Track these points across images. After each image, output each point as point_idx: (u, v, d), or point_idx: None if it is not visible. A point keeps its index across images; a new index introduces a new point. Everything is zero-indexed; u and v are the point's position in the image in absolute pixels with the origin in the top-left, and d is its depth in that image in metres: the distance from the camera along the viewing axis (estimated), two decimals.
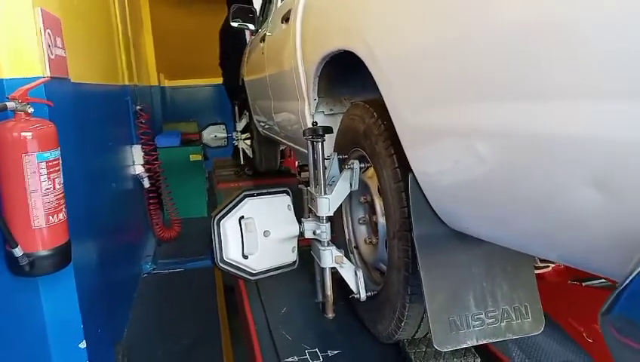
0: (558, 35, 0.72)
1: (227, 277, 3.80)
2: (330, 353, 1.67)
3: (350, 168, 1.71)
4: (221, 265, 1.66)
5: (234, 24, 4.28)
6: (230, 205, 1.68)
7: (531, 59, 0.77)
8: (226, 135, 5.37)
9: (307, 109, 2.24)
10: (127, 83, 4.70)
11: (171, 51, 8.29)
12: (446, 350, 1.27)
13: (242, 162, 5.17)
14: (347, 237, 1.98)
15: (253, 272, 1.72)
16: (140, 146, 4.69)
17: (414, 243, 1.27)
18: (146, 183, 4.72)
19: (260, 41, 3.50)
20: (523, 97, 0.78)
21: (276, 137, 3.73)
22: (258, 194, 1.75)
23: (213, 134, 5.37)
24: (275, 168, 4.87)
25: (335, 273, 1.79)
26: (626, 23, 0.61)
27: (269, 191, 1.81)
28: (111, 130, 3.89)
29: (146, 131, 4.88)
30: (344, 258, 1.72)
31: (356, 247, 1.93)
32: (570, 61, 0.70)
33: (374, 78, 1.36)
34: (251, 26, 4.21)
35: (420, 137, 1.19)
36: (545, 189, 0.81)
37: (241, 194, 1.71)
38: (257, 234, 1.70)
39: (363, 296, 1.68)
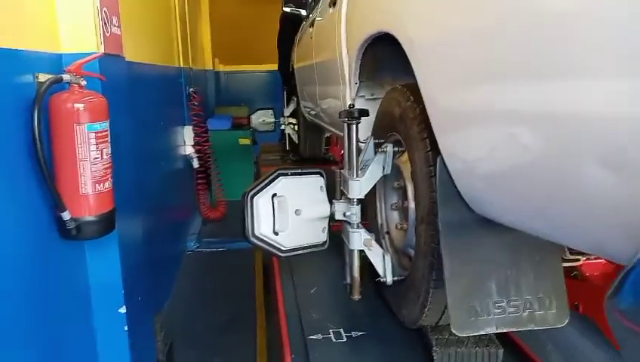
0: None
1: (266, 258, 3.89)
2: (354, 334, 1.69)
3: (384, 151, 1.71)
4: (252, 239, 1.71)
5: (286, 9, 4.33)
6: (264, 183, 1.73)
7: (558, 40, 0.76)
8: (273, 120, 5.46)
9: (348, 93, 2.25)
10: (182, 65, 4.86)
11: (227, 36, 8.46)
12: (464, 335, 1.26)
13: (288, 148, 5.24)
14: (380, 222, 1.98)
15: (283, 249, 1.76)
16: (191, 127, 4.85)
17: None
18: (196, 164, 4.89)
19: (310, 27, 3.53)
20: (550, 78, 0.76)
21: (321, 123, 3.76)
22: (292, 174, 1.79)
23: (261, 118, 5.47)
24: (319, 155, 4.91)
25: (365, 257, 1.80)
26: None
27: (302, 171, 1.84)
28: (163, 110, 4.04)
29: (198, 113, 5.04)
30: (373, 241, 1.73)
31: (388, 233, 1.93)
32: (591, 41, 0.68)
33: (410, 61, 1.35)
34: (303, 12, 4.24)
35: (449, 120, 1.18)
36: (573, 172, 0.79)
37: (275, 172, 1.75)
38: (289, 212, 1.73)
39: (389, 279, 1.68)
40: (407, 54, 1.35)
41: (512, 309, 1.23)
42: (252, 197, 1.69)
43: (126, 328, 2.18)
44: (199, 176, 5.15)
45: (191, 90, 5.07)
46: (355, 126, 1.71)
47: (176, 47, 4.81)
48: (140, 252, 2.46)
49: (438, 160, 1.26)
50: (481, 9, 0.96)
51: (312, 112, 3.99)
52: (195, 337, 3.36)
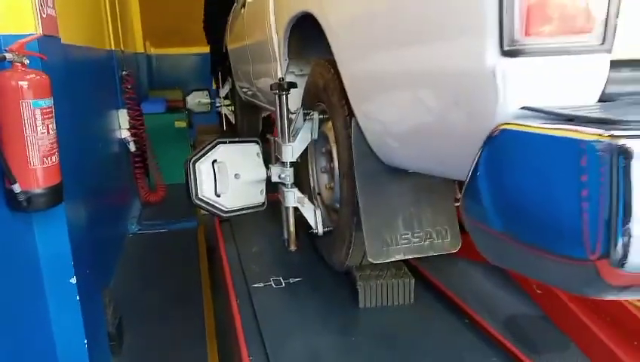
0: None
1: (209, 238, 4.04)
2: (292, 280, 1.93)
3: (311, 119, 1.94)
4: (196, 201, 1.90)
5: None
6: (204, 150, 1.91)
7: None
8: (209, 100, 5.55)
9: (279, 70, 2.45)
10: (113, 48, 4.83)
11: (158, 19, 8.32)
12: (378, 262, 1.53)
13: (225, 128, 5.36)
14: (312, 184, 2.22)
15: (225, 210, 1.96)
16: (125, 111, 4.85)
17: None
18: (132, 147, 4.90)
19: (242, 8, 3.67)
20: (417, 45, 1.02)
21: (257, 102, 3.93)
22: (230, 142, 1.98)
23: (197, 100, 5.54)
24: (257, 133, 5.08)
25: (300, 216, 2.04)
26: None
27: (240, 140, 2.04)
28: (98, 93, 4.04)
29: (131, 96, 5.03)
30: (305, 199, 1.97)
31: (319, 193, 2.18)
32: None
33: (327, 38, 1.58)
34: None
35: (358, 87, 1.42)
36: (442, 115, 1.05)
37: (214, 140, 1.94)
38: (229, 176, 1.93)
39: (320, 231, 1.93)
40: (325, 32, 1.58)
41: (416, 239, 1.51)
42: (194, 163, 1.88)
43: (78, 298, 2.29)
44: (136, 159, 5.15)
45: (123, 72, 5.04)
46: (285, 97, 1.93)
47: (107, 30, 4.77)
48: (84, 228, 2.56)
49: (352, 121, 1.51)
50: None
51: (249, 92, 4.15)
52: (143, 312, 3.46)
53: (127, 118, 4.94)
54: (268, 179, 2.05)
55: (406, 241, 1.50)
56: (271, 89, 2.03)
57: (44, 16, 2.18)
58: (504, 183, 0.84)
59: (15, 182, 1.83)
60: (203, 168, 1.89)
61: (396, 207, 1.51)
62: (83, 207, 2.60)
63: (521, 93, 0.85)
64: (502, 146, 0.84)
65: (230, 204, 1.96)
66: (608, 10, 0.82)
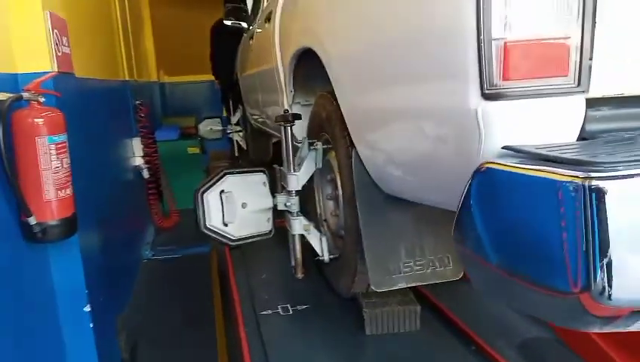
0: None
1: (221, 259, 4.08)
2: (299, 307, 1.96)
3: (315, 149, 1.99)
4: (204, 230, 1.95)
5: (227, 22, 4.55)
6: (212, 181, 1.97)
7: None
8: (221, 127, 5.65)
9: (285, 100, 2.52)
10: (127, 78, 4.98)
11: (171, 48, 8.54)
12: (381, 290, 1.55)
13: (236, 154, 5.45)
14: (319, 211, 2.26)
15: (233, 238, 2.01)
16: (139, 139, 4.96)
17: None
18: (146, 174, 4.99)
19: (250, 39, 3.78)
20: (408, 84, 1.07)
21: (267, 129, 4.01)
22: (237, 172, 2.04)
23: (209, 127, 5.65)
24: (267, 159, 5.16)
25: (307, 242, 2.07)
26: None
27: (247, 170, 2.10)
28: (112, 122, 4.15)
29: (145, 125, 5.16)
30: (311, 226, 2.01)
31: (325, 220, 2.22)
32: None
33: (327, 72, 1.64)
34: (244, 24, 4.48)
35: (357, 119, 1.47)
36: (434, 149, 1.09)
37: (221, 171, 2.00)
38: (236, 206, 1.98)
39: (327, 258, 1.96)
40: (325, 66, 1.64)
41: (418, 267, 1.54)
42: (202, 194, 1.93)
43: (91, 325, 2.33)
44: (150, 186, 5.24)
45: (137, 102, 5.17)
46: (289, 128, 1.98)
47: (121, 61, 4.92)
48: (98, 256, 2.62)
49: (353, 152, 1.55)
50: (372, 36, 1.26)
51: (259, 119, 4.24)
52: (157, 337, 3.49)
53: (141, 146, 5.04)
54: (275, 207, 2.10)
55: (409, 269, 1.53)
56: (275, 120, 2.09)
57: (60, 54, 2.28)
58: (490, 217, 0.87)
59: (31, 215, 1.90)
60: (211, 198, 1.94)
61: (398, 235, 1.54)
62: (97, 236, 2.66)
63: (502, 133, 0.89)
64: (486, 183, 0.87)
65: (238, 232, 2.01)
66: (582, 53, 0.86)
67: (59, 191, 1.98)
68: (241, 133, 5.31)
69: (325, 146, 2.01)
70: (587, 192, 0.69)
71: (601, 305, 0.71)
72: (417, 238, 1.55)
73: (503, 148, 0.88)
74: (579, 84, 0.88)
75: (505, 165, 0.84)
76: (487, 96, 0.89)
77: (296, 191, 2.00)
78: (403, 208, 1.54)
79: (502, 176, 0.84)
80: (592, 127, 0.91)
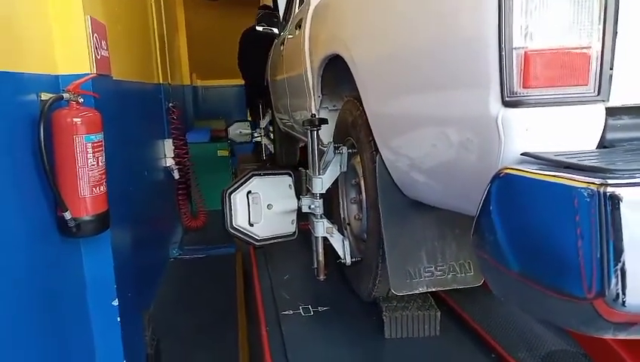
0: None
1: (246, 260, 4.14)
2: (320, 309, 1.99)
3: (340, 153, 2.02)
4: (230, 230, 2.01)
5: (259, 28, 4.64)
6: (240, 182, 2.03)
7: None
8: (250, 131, 5.75)
9: (313, 105, 2.56)
10: (161, 82, 5.12)
11: (204, 52, 8.73)
12: (401, 294, 1.57)
13: (264, 157, 5.53)
14: (342, 215, 2.29)
15: (258, 238, 2.06)
16: (171, 141, 5.09)
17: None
18: (176, 175, 5.12)
19: (281, 45, 3.85)
20: (432, 92, 1.10)
21: (294, 133, 4.07)
22: (264, 174, 2.09)
23: (238, 130, 5.76)
24: (294, 163, 5.22)
25: (330, 245, 2.10)
26: None
27: (273, 172, 2.15)
28: (146, 124, 4.28)
29: (177, 127, 5.29)
30: (334, 229, 2.04)
31: (349, 223, 2.24)
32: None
33: (354, 78, 1.67)
34: (275, 30, 4.56)
35: (382, 125, 1.50)
36: (455, 156, 1.11)
37: (249, 173, 2.05)
38: (262, 207, 2.03)
39: (349, 261, 1.99)
40: (352, 72, 1.67)
41: (439, 273, 1.55)
42: (230, 195, 1.99)
43: (119, 319, 2.41)
44: (180, 186, 5.36)
45: (170, 105, 5.30)
46: (316, 132, 2.02)
47: (156, 65, 5.06)
48: (128, 252, 2.70)
49: (377, 157, 1.58)
50: (397, 44, 1.29)
51: (287, 123, 4.30)
52: (180, 335, 3.57)
53: (172, 147, 5.16)
54: (299, 209, 2.14)
55: (429, 274, 1.54)
56: (302, 125, 2.13)
57: (99, 57, 2.39)
58: (507, 222, 0.88)
59: (66, 210, 1.98)
60: (238, 199, 1.99)
61: (420, 240, 1.55)
62: (127, 233, 2.75)
63: (522, 140, 0.90)
64: (505, 188, 0.89)
65: (262, 233, 2.05)
66: (602, 63, 0.87)
67: (94, 188, 2.06)
68: (270, 137, 5.39)
69: (350, 151, 2.04)
70: (602, 199, 0.70)
71: (615, 311, 0.72)
72: (439, 243, 1.56)
73: (522, 154, 0.89)
74: (599, 93, 0.89)
75: (523, 171, 0.85)
76: (507, 103, 0.91)
77: (320, 194, 2.04)
78: (425, 213, 1.55)
79: (519, 182, 0.85)
80: (612, 135, 0.91)
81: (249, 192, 2.02)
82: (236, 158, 6.62)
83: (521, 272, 0.85)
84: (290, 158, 5.19)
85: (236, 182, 2.02)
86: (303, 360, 1.64)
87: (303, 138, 3.73)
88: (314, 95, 2.52)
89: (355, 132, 1.88)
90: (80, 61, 2.26)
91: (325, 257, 2.09)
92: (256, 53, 5.27)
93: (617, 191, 0.70)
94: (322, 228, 2.02)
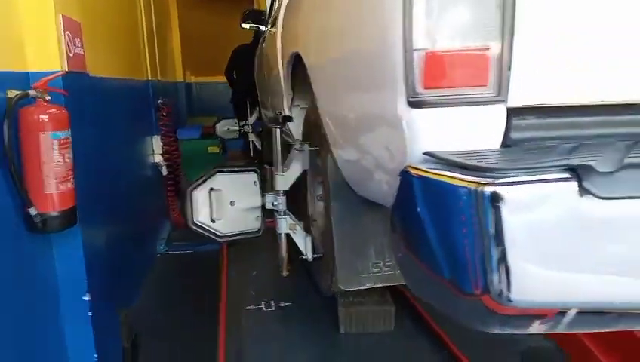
0: None
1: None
2: (282, 304, 2.01)
3: (302, 151, 2.05)
4: (192, 226, 2.03)
5: (245, 26, 4.65)
6: (202, 179, 2.05)
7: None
8: (238, 128, 5.77)
9: (285, 103, 2.58)
10: (150, 78, 5.13)
11: (198, 49, 8.74)
12: (349, 289, 1.59)
13: (252, 154, 5.55)
14: (310, 212, 2.31)
15: (221, 235, 2.08)
16: (159, 137, 5.11)
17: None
18: (164, 171, 5.13)
19: (263, 42, 3.87)
20: (356, 92, 1.12)
21: None
22: (228, 171, 2.11)
23: (226, 127, 5.78)
24: None
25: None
26: None
27: (239, 168, 2.17)
28: (130, 120, 4.29)
29: (166, 123, 5.31)
30: (297, 225, 2.06)
31: (315, 220, 2.26)
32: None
33: (310, 77, 1.69)
34: (262, 27, 4.58)
35: (332, 124, 1.52)
36: (379, 151, 1.14)
37: (213, 170, 2.07)
38: (224, 203, 2.05)
39: (310, 257, 2.01)
40: (308, 72, 1.69)
41: (387, 268, 1.57)
42: (191, 191, 2.01)
43: (90, 313, 2.43)
44: (169, 183, 5.37)
45: (159, 101, 5.31)
46: (279, 130, 2.04)
47: (144, 61, 5.06)
48: (102, 248, 2.72)
49: (328, 155, 1.60)
50: (332, 47, 1.31)
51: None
52: (161, 330, 3.59)
53: (161, 143, 5.17)
54: (263, 206, 2.16)
55: (377, 270, 1.56)
56: (269, 122, 2.16)
57: (71, 55, 2.40)
58: (408, 219, 0.90)
59: (32, 206, 2.01)
60: (200, 196, 2.02)
61: (369, 236, 1.58)
62: (102, 229, 2.77)
63: (425, 140, 0.92)
64: (405, 186, 0.91)
65: (225, 229, 2.08)
66: (501, 64, 0.89)
67: (60, 185, 2.08)
68: (254, 134, 5.41)
69: (312, 148, 2.05)
70: (479, 197, 0.72)
71: (502, 306, 0.74)
72: (387, 239, 1.58)
73: (423, 153, 0.91)
74: (498, 93, 0.91)
75: (420, 170, 0.87)
76: (411, 104, 0.93)
77: (283, 191, 2.06)
78: (374, 210, 1.57)
79: (417, 181, 0.87)
80: (517, 135, 0.93)
81: (212, 189, 2.05)
82: (227, 155, 6.64)
83: (424, 269, 0.87)
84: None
85: (199, 179, 2.05)
86: (256, 356, 1.67)
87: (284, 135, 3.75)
88: (285, 93, 2.53)
89: (317, 130, 1.90)
90: (51, 59, 2.27)
91: (290, 253, 2.11)
92: (245, 66, 5.31)
93: (494, 189, 0.72)
94: (285, 224, 2.04)
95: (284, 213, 2.06)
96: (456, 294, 0.79)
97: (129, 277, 3.72)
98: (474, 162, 0.79)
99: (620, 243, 0.71)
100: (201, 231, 2.05)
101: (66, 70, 2.31)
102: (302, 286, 2.14)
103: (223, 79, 9.31)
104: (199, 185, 2.04)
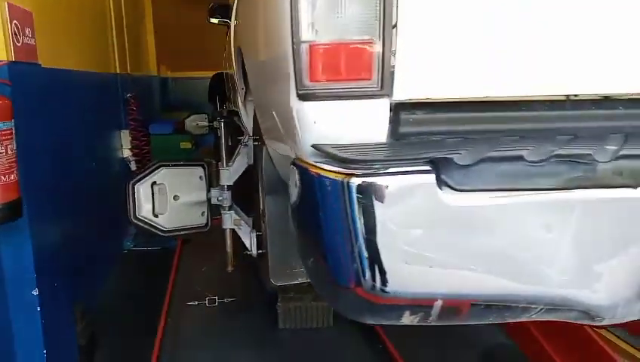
0: None
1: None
2: (226, 299, 2.01)
3: (246, 145, 2.04)
4: (133, 220, 2.01)
5: (214, 20, 4.59)
6: (145, 172, 2.03)
7: None
8: (207, 124, 5.73)
9: (239, 97, 2.57)
10: (118, 72, 5.05)
11: (174, 43, 8.63)
12: (280, 284, 1.59)
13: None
14: (261, 207, 2.30)
15: (164, 229, 2.07)
16: (128, 132, 5.04)
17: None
18: (133, 166, 5.07)
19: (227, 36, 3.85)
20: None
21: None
22: (173, 165, 2.10)
23: (195, 122, 5.74)
24: None
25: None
26: None
27: (184, 163, 2.15)
28: (94, 114, 4.22)
29: (136, 118, 5.24)
30: (242, 221, 2.05)
31: (264, 216, 2.26)
32: None
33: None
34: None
35: (262, 118, 1.52)
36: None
37: (157, 163, 2.06)
38: (167, 198, 2.04)
39: (255, 252, 2.01)
40: (246, 66, 1.69)
41: None
42: (133, 185, 1.99)
43: (39, 309, 2.39)
44: None
45: (128, 95, 5.24)
46: (223, 123, 2.04)
47: (113, 54, 4.98)
48: (55, 243, 2.66)
49: (263, 150, 1.60)
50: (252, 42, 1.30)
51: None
52: (121, 326, 3.56)
53: (130, 138, 5.10)
54: (209, 201, 2.15)
55: None
56: (213, 117, 2.15)
57: (19, 44, 2.35)
58: (297, 212, 0.91)
59: None
60: (142, 189, 2.00)
61: None
62: (58, 223, 2.70)
63: (313, 132, 0.93)
64: (293, 178, 0.91)
65: (169, 224, 2.06)
66: (384, 59, 0.89)
67: (2, 176, 2.05)
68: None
69: (256, 143, 2.05)
70: (344, 188, 0.72)
71: (375, 297, 0.75)
72: None
73: (311, 146, 0.92)
74: (382, 87, 0.91)
75: (302, 161, 0.87)
76: (300, 97, 0.93)
77: (228, 186, 2.05)
78: None
79: (298, 172, 0.87)
80: (406, 129, 0.93)
81: (154, 183, 2.03)
82: (199, 151, 6.60)
83: (310, 263, 0.88)
84: None
85: (142, 173, 2.03)
86: (191, 350, 1.66)
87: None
88: (238, 87, 2.52)
89: (257, 124, 1.90)
90: None
91: (236, 249, 2.10)
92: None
93: (361, 181, 0.72)
94: (230, 219, 2.04)
95: (230, 209, 2.06)
96: (334, 286, 0.80)
97: (89, 274, 3.66)
98: (347, 155, 0.79)
99: (476, 236, 0.72)
100: (144, 225, 2.04)
101: (12, 60, 2.26)
102: (247, 283, 2.14)
103: (199, 74, 9.23)
104: (141, 178, 2.02)
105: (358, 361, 1.66)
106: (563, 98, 0.95)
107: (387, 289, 0.73)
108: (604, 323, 0.83)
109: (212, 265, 2.43)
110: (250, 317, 1.91)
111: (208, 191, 2.14)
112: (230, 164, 2.03)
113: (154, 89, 8.03)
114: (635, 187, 0.77)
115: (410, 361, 1.65)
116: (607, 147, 0.78)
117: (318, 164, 0.81)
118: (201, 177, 2.18)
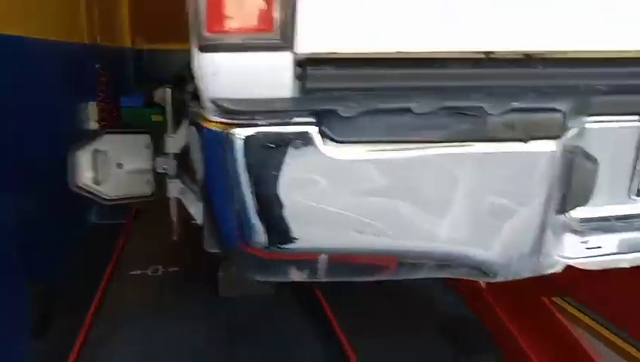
0: None
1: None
2: (170, 269, 1.98)
3: (193, 111, 1.98)
4: (74, 188, 1.96)
5: None
6: (88, 139, 1.97)
7: None
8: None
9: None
10: (87, 41, 4.90)
11: (150, 14, 8.39)
12: (212, 251, 1.56)
13: None
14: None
15: (107, 198, 2.02)
16: (95, 104, 4.92)
17: None
18: None
19: None
20: None
21: None
22: (118, 132, 2.04)
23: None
24: None
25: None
26: None
27: (130, 130, 2.09)
28: (56, 84, 4.09)
29: (104, 90, 5.12)
30: (188, 189, 2.01)
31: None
32: None
33: None
34: None
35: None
36: None
37: (101, 130, 1.99)
38: (110, 165, 1.98)
39: (200, 221, 1.97)
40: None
41: None
42: (74, 152, 1.93)
43: None
44: None
45: (97, 66, 5.11)
46: (170, 90, 1.98)
47: (82, 24, 4.82)
48: (11, 218, 2.58)
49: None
50: None
51: None
52: (80, 301, 3.50)
53: (97, 110, 4.98)
54: (154, 170, 2.09)
55: None
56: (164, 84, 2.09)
57: None
58: (201, 166, 0.87)
59: None
60: (82, 156, 1.94)
61: None
62: (10, 197, 2.62)
63: (214, 85, 0.88)
64: (193, 134, 0.87)
65: (112, 192, 2.01)
66: (285, 9, 0.85)
67: None
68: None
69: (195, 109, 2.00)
70: (224, 139, 0.69)
71: (264, 253, 0.72)
72: None
73: (210, 100, 0.88)
74: (284, 40, 0.87)
75: (199, 115, 0.84)
76: (201, 48, 0.89)
77: (174, 153, 2.00)
78: None
79: (195, 127, 0.84)
80: (314, 84, 0.90)
81: (96, 150, 1.97)
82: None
83: (206, 220, 0.85)
84: None
85: (85, 140, 1.97)
86: (129, 321, 1.64)
87: None
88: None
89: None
90: None
91: (182, 218, 2.06)
92: None
93: (235, 132, 0.69)
94: (175, 188, 1.99)
95: (175, 177, 2.01)
96: (223, 243, 0.77)
97: (49, 250, 3.58)
98: (233, 106, 0.76)
99: (357, 190, 0.70)
100: (85, 193, 1.98)
101: None
102: (192, 252, 2.10)
103: (177, 46, 8.98)
104: (83, 145, 1.96)
105: (297, 329, 1.65)
106: (481, 56, 0.92)
107: (270, 244, 0.70)
108: (498, 279, 0.83)
109: (161, 235, 2.38)
110: (191, 286, 1.89)
111: (153, 159, 2.09)
112: (176, 131, 1.98)
113: (127, 61, 7.85)
114: (526, 141, 0.75)
115: (352, 331, 1.64)
116: (500, 100, 0.76)
117: (209, 118, 0.77)
118: (147, 145, 2.13)
